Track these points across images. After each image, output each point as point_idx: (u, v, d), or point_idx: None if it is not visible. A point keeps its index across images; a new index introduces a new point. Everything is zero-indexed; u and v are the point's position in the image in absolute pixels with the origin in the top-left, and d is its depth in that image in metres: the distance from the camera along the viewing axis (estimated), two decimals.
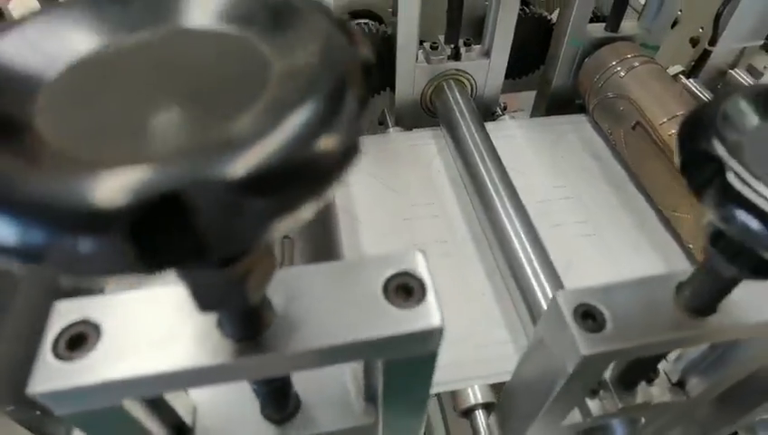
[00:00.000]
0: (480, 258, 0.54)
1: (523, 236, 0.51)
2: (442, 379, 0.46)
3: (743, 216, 0.19)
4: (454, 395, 0.46)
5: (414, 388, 0.24)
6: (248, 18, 0.13)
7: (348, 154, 0.11)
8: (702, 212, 0.25)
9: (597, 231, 0.57)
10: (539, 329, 0.30)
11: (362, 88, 0.12)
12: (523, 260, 0.49)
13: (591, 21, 0.72)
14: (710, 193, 0.20)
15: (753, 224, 0.19)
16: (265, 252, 0.17)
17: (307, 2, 0.13)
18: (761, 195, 0.19)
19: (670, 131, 0.56)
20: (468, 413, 0.45)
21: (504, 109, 0.74)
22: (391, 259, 0.22)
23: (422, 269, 0.22)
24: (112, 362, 0.20)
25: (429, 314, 0.21)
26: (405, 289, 0.21)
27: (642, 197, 0.61)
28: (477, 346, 0.48)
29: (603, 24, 0.69)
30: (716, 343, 0.33)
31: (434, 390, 0.46)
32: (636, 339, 0.26)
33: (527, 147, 0.66)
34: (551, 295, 0.46)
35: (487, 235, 0.54)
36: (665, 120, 0.58)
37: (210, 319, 0.20)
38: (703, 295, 0.27)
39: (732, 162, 0.19)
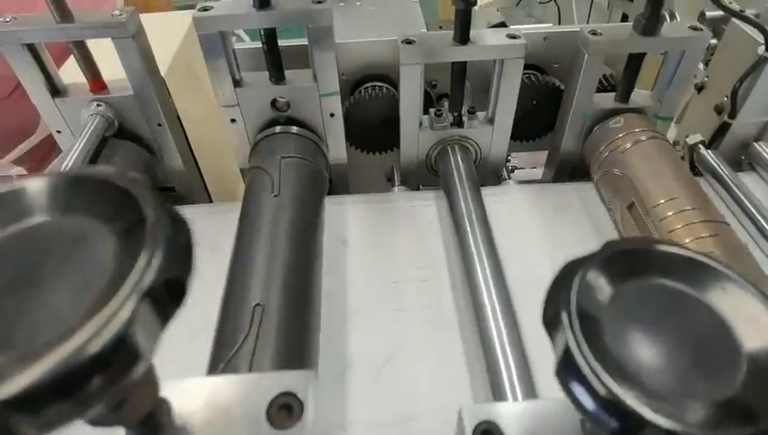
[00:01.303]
0: (460, 328, 0.56)
1: (499, 314, 0.51)
2: None
3: (576, 390, 0.20)
4: None
5: None
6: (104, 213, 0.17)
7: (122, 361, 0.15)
8: None
9: None
10: None
11: (161, 303, 0.15)
12: (495, 340, 0.50)
13: (602, 90, 0.72)
14: (558, 357, 0.22)
15: (584, 399, 0.20)
16: (141, 383, 0.20)
17: (156, 212, 0.17)
18: (596, 375, 0.20)
19: (663, 216, 0.56)
20: None
21: (512, 171, 0.75)
22: (279, 377, 0.25)
23: (303, 391, 0.24)
24: None
25: None
26: (287, 408, 0.24)
27: None
28: (444, 423, 0.49)
29: (613, 95, 0.69)
30: None
31: None
32: None
33: (526, 214, 0.67)
34: (516, 382, 0.46)
35: (468, 307, 0.56)
36: (661, 201, 0.57)
37: None
38: None
39: (571, 334, 0.21)
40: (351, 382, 0.51)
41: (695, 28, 0.62)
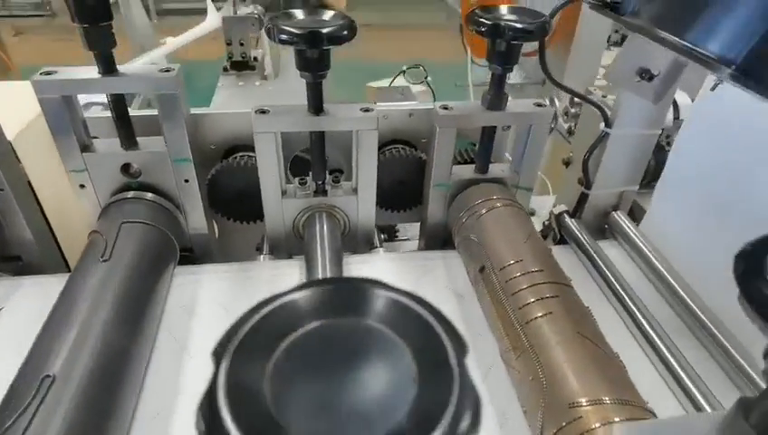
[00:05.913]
0: None
1: None
2: None
3: None
4: None
5: None
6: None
7: None
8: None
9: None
10: None
11: None
12: None
13: (463, 162, 0.75)
14: None
15: None
16: None
17: None
18: None
19: (511, 276, 0.56)
20: None
21: (384, 241, 0.75)
22: None
23: None
24: None
25: None
26: None
27: (491, 342, 0.58)
28: None
29: (473, 166, 0.72)
30: None
31: None
32: None
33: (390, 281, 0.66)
34: None
35: None
36: (510, 262, 0.57)
37: None
38: None
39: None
40: None
41: (539, 105, 0.67)
